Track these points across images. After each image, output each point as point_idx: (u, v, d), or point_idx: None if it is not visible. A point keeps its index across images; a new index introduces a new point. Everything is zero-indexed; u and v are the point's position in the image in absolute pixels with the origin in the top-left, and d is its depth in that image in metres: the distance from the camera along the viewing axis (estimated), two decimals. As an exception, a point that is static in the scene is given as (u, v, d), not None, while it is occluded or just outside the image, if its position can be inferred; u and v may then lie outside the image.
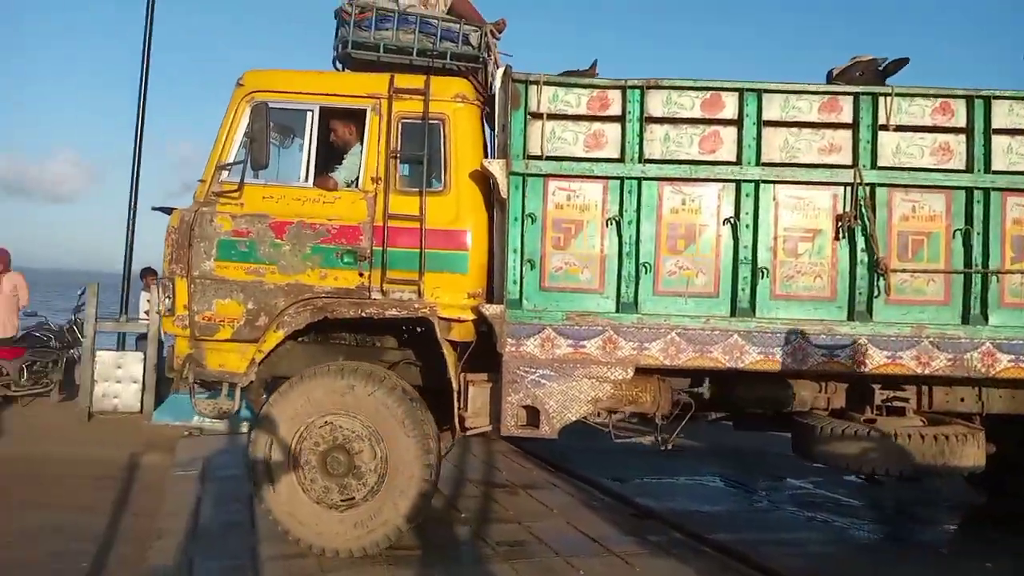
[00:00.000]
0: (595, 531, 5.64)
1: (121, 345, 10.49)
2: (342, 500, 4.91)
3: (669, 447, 5.37)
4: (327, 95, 5.24)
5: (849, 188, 5.06)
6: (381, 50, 5.33)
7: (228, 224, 5.01)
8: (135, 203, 10.31)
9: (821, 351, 4.99)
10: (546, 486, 7.01)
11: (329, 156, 5.48)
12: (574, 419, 5.03)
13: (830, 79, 5.67)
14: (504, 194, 5.01)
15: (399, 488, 4.89)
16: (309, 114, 5.19)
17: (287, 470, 4.91)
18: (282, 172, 5.40)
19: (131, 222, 10.36)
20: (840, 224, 5.05)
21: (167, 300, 4.99)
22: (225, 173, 5.07)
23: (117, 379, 9.45)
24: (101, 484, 6.67)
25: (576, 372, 4.98)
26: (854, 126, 5.11)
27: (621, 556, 5.08)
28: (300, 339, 5.36)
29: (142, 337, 9.97)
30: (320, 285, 5.02)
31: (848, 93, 5.16)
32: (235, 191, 5.03)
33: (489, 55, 5.48)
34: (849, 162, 5.10)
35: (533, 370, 4.97)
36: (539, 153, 5.06)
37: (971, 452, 5.09)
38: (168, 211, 5.37)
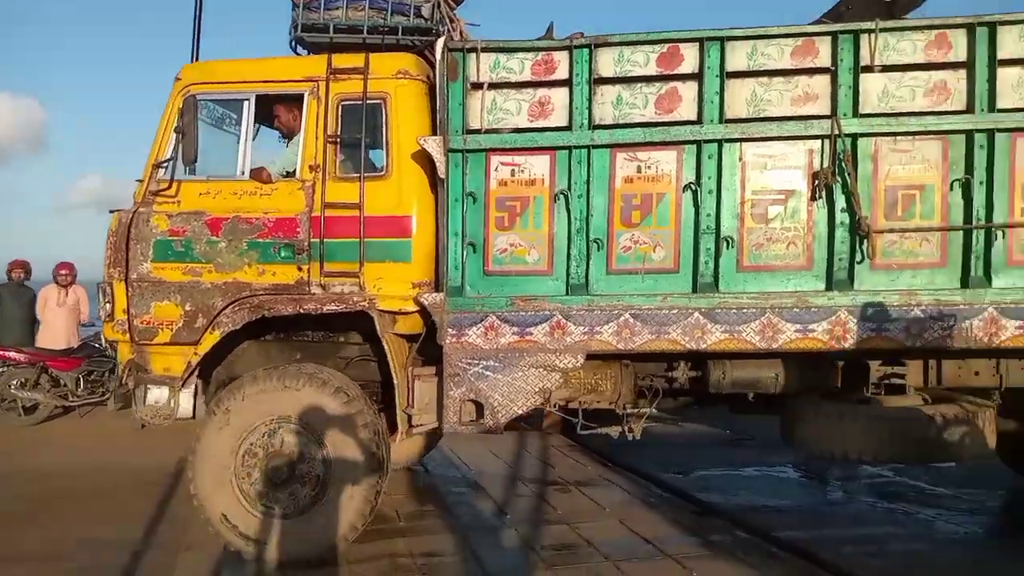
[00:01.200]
0: (650, 531, 5.19)
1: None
2: (313, 490, 4.67)
3: (637, 437, 4.91)
4: (263, 82, 5.00)
5: (827, 141, 4.48)
6: (332, 31, 5.09)
7: (164, 224, 4.86)
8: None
9: (794, 327, 4.43)
10: (601, 483, 6.59)
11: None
12: (521, 412, 4.67)
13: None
14: (443, 173, 4.67)
15: (338, 428, 4.64)
16: (245, 103, 4.96)
17: (265, 525, 4.70)
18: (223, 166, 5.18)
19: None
20: (816, 183, 4.48)
21: (107, 305, 4.91)
22: (161, 171, 4.91)
23: (171, 385, 9.57)
24: (146, 492, 6.47)
25: (522, 362, 4.61)
26: (833, 71, 4.51)
27: (677, 559, 4.68)
28: (262, 338, 5.23)
29: None
30: (258, 282, 4.81)
31: (825, 33, 4.56)
32: (170, 189, 4.89)
33: (447, 27, 5.17)
34: (827, 111, 4.51)
35: (476, 361, 4.62)
36: (480, 127, 4.70)
37: (977, 433, 4.44)
38: None
